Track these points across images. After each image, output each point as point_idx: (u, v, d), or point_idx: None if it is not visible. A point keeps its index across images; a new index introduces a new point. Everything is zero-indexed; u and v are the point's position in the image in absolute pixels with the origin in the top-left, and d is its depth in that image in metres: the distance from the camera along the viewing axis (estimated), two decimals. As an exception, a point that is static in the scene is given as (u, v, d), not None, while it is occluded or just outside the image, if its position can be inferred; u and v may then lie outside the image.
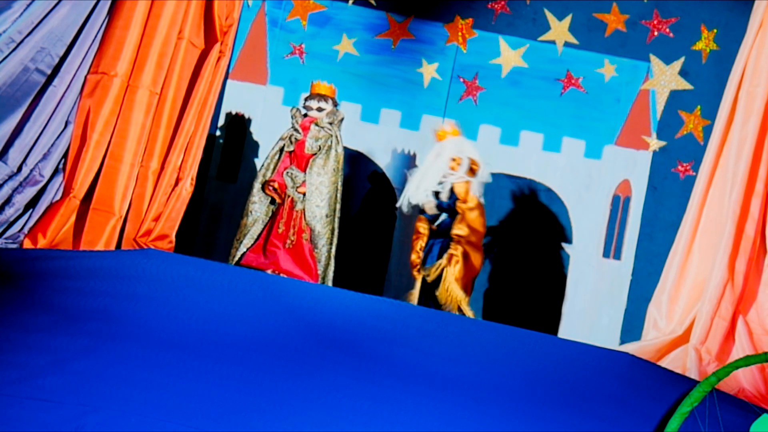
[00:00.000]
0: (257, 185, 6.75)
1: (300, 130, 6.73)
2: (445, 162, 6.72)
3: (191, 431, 4.61)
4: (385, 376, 4.92)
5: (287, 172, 6.71)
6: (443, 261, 6.62)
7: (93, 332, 4.85)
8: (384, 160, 7.72)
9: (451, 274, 6.59)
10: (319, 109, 6.75)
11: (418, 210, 6.88)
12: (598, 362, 5.19)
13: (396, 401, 4.85)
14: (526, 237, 7.65)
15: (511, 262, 7.66)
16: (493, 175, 7.04)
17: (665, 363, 6.32)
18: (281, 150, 6.77)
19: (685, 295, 6.99)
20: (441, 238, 6.72)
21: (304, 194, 6.64)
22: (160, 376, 4.74)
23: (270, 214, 6.74)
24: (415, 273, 6.81)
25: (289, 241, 6.62)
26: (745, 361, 5.29)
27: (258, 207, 6.74)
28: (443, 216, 6.72)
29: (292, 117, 6.81)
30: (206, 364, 4.83)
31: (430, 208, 6.74)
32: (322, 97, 6.77)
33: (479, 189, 6.74)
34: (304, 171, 6.68)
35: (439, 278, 6.64)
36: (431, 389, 4.92)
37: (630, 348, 6.59)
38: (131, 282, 5.10)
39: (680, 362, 6.45)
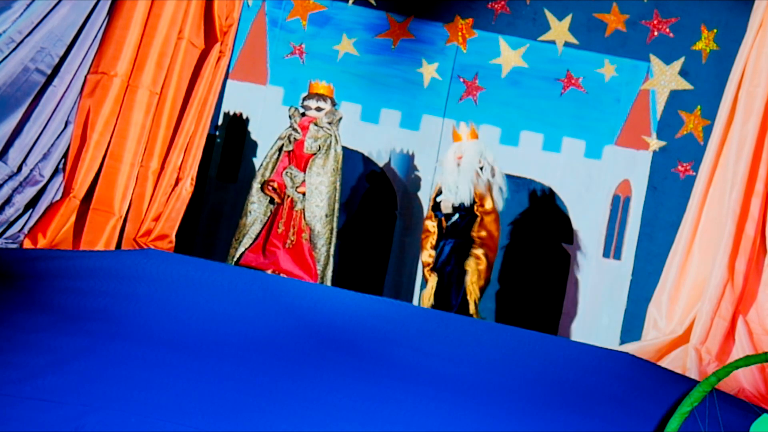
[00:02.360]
0: (256, 185, 6.75)
1: (299, 130, 6.73)
2: (470, 164, 6.75)
3: (191, 431, 4.61)
4: (385, 376, 4.92)
5: (286, 172, 6.71)
6: (472, 265, 6.67)
7: (93, 332, 4.85)
8: (384, 160, 7.72)
9: (474, 275, 6.63)
10: (318, 109, 6.75)
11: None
12: (598, 362, 5.19)
13: (396, 401, 4.85)
14: (532, 237, 7.66)
15: (517, 262, 7.66)
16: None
17: (665, 363, 6.32)
18: (280, 149, 6.77)
19: (685, 295, 6.99)
20: (452, 238, 6.74)
21: (304, 194, 6.64)
22: (160, 376, 4.74)
23: (269, 214, 6.74)
24: (427, 273, 6.83)
25: (288, 241, 6.62)
26: (745, 361, 5.28)
27: (257, 207, 6.74)
28: (456, 216, 6.74)
29: (290, 117, 6.82)
30: (206, 364, 4.82)
31: (446, 207, 6.76)
32: (320, 97, 6.78)
33: (498, 195, 6.78)
34: (303, 171, 6.68)
35: (455, 279, 6.69)
36: (431, 389, 4.91)
37: (630, 348, 6.59)
38: (131, 282, 5.09)
39: (680, 362, 6.45)
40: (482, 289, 6.72)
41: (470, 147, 6.84)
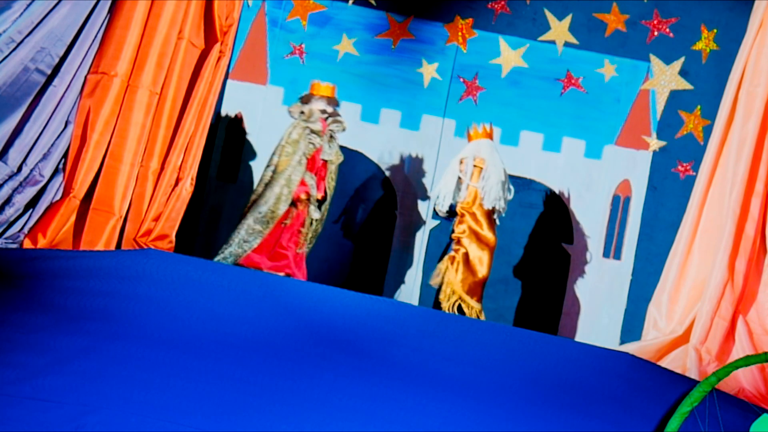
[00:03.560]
0: (286, 193, 6.57)
1: (321, 135, 6.71)
2: (456, 164, 6.77)
3: (191, 431, 4.62)
4: (384, 376, 4.93)
5: (310, 180, 6.70)
6: (445, 263, 6.67)
7: (93, 332, 4.85)
8: (384, 160, 7.72)
9: (452, 275, 6.61)
10: (333, 114, 6.78)
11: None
12: (598, 362, 5.20)
13: (396, 401, 4.85)
14: (531, 236, 7.67)
15: (517, 262, 7.67)
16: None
17: (665, 363, 6.32)
18: (302, 155, 6.70)
19: (685, 295, 6.99)
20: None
21: (321, 199, 6.71)
22: (160, 376, 4.75)
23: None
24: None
25: (307, 247, 6.71)
26: (745, 361, 5.29)
27: (278, 213, 6.64)
28: (454, 219, 6.76)
29: (312, 120, 6.70)
30: (206, 364, 4.83)
31: (440, 210, 6.79)
32: (334, 101, 6.82)
33: (493, 194, 6.69)
34: (317, 176, 6.74)
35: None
36: (431, 389, 4.92)
37: (630, 348, 6.59)
38: (131, 282, 5.10)
39: (680, 362, 6.46)
40: (473, 290, 6.63)
41: (468, 147, 6.86)
